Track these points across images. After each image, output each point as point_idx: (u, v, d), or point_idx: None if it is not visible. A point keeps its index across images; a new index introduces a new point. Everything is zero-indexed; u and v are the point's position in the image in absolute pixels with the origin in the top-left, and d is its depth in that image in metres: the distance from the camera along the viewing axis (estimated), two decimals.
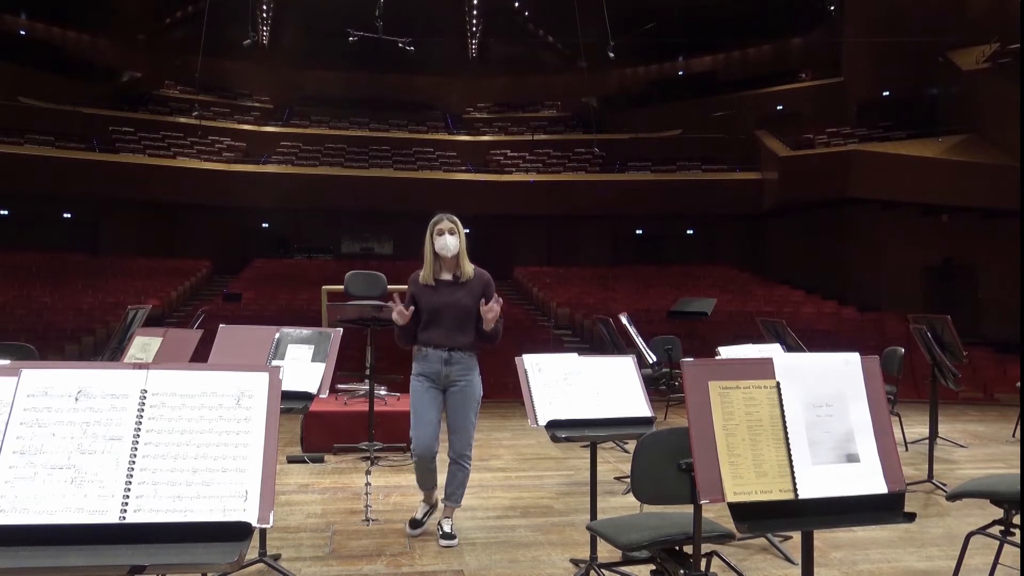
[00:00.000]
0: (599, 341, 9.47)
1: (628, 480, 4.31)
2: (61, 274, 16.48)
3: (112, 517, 1.61)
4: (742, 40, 23.47)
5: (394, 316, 3.69)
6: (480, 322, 3.72)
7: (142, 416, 1.71)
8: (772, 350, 4.98)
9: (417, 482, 3.97)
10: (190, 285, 17.47)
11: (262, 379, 1.80)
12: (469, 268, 3.78)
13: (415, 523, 3.98)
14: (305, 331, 3.80)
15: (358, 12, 15.90)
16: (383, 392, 6.95)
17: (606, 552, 3.22)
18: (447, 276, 3.78)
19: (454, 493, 3.85)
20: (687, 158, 21.43)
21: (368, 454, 5.61)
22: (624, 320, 7.66)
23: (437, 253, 3.75)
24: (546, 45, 26.32)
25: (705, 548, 2.43)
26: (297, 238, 21.35)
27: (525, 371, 3.34)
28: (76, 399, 1.69)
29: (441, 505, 3.95)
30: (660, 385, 7.75)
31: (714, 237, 21.69)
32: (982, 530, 2.99)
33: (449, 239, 3.73)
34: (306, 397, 3.49)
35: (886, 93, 19.33)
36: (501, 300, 3.73)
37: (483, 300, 3.69)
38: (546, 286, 17.87)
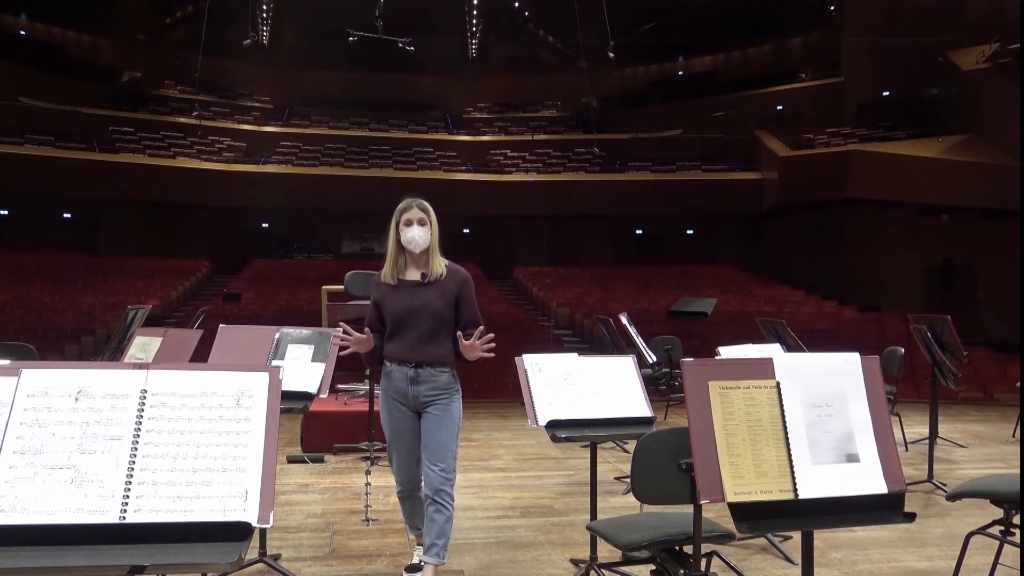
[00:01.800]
0: (599, 341, 9.47)
1: (628, 480, 4.31)
2: (61, 274, 16.48)
3: (112, 517, 1.61)
4: (742, 40, 23.47)
5: (349, 350, 3.06)
6: (455, 332, 3.09)
7: (142, 416, 1.71)
8: (772, 350, 4.98)
9: (406, 519, 3.35)
10: (190, 285, 17.47)
11: (262, 379, 1.80)
12: (440, 265, 3.11)
13: (413, 568, 3.32)
14: (305, 331, 3.80)
15: (358, 12, 15.90)
16: None
17: (606, 552, 3.22)
18: (413, 275, 3.13)
19: (435, 545, 3.02)
20: (687, 158, 21.43)
21: (368, 454, 5.61)
22: (624, 320, 7.66)
23: (403, 246, 3.13)
24: (546, 45, 26.32)
25: (705, 548, 2.43)
26: (297, 238, 21.35)
27: (525, 371, 3.34)
28: (76, 399, 1.69)
29: (420, 562, 3.18)
30: (660, 385, 7.75)
31: (714, 237, 21.69)
32: (982, 530, 2.99)
33: (418, 232, 3.07)
34: (306, 397, 3.49)
35: (886, 93, 19.33)
36: (483, 330, 2.99)
37: (459, 305, 3.10)
38: (546, 286, 17.87)
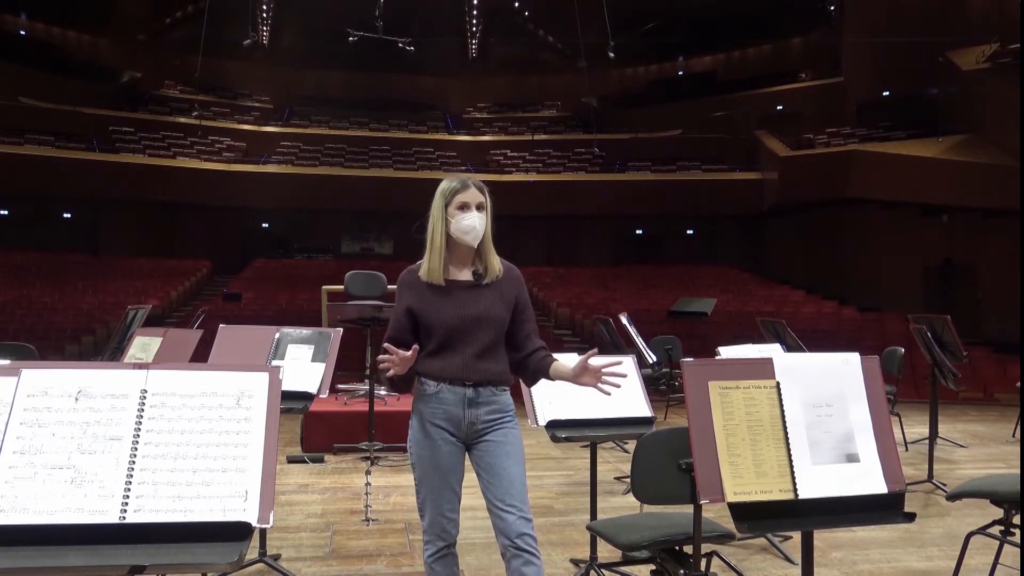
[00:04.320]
0: (599, 341, 9.47)
1: (628, 480, 4.31)
2: (61, 274, 16.48)
3: (112, 517, 1.61)
4: (742, 40, 23.47)
5: (391, 372, 2.33)
6: (513, 344, 2.51)
7: (142, 416, 1.71)
8: (772, 350, 4.99)
9: None
10: (190, 285, 17.47)
11: (262, 379, 1.80)
12: (498, 262, 2.50)
13: None
14: (305, 331, 3.80)
15: (358, 12, 15.92)
16: (383, 392, 6.95)
17: (606, 552, 3.22)
18: (462, 274, 2.48)
19: None
20: (687, 158, 21.44)
21: (368, 454, 5.61)
22: (624, 320, 7.66)
23: (452, 238, 2.44)
24: (546, 45, 26.32)
25: (705, 548, 2.43)
26: (297, 238, 21.35)
27: None
28: (76, 399, 1.69)
29: None
30: (660, 385, 7.75)
31: (714, 237, 21.70)
32: (982, 530, 2.99)
33: (478, 220, 2.43)
34: (306, 397, 3.49)
35: (886, 93, 19.33)
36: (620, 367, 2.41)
37: (516, 310, 2.51)
38: (546, 286, 17.87)
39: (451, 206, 2.44)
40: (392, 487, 5.06)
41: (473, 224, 2.41)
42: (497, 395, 2.44)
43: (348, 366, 7.75)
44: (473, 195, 2.45)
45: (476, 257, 2.48)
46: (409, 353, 2.29)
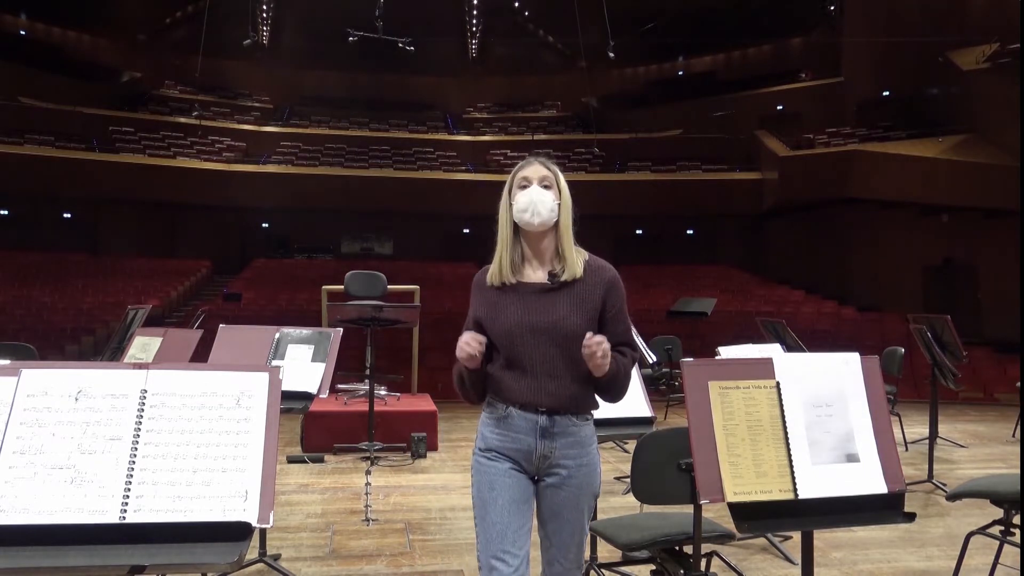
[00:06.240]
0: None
1: (628, 480, 4.31)
2: (61, 274, 16.48)
3: (112, 517, 1.61)
4: (742, 40, 23.50)
5: (462, 352, 1.97)
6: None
7: (142, 416, 1.71)
8: (772, 350, 4.99)
9: None
10: (190, 285, 17.47)
11: (262, 379, 1.80)
12: (577, 259, 2.08)
13: None
14: (305, 331, 3.80)
15: (358, 12, 15.91)
16: (383, 392, 6.95)
17: (606, 552, 3.22)
18: (536, 274, 2.07)
19: None
20: (687, 158, 21.45)
21: (368, 454, 5.61)
22: None
23: (518, 225, 2.07)
24: (546, 45, 26.34)
25: (705, 548, 2.43)
26: (297, 238, 21.36)
27: None
28: (76, 399, 1.69)
29: None
30: (660, 385, 7.75)
31: (714, 237, 21.70)
32: (982, 530, 2.99)
33: (538, 195, 2.04)
34: (306, 397, 3.50)
35: (886, 93, 19.33)
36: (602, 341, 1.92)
37: (603, 318, 2.05)
38: None
39: (515, 187, 2.08)
40: (392, 487, 5.06)
41: (531, 200, 2.01)
42: (577, 425, 2.02)
43: (348, 366, 7.76)
44: (535, 170, 2.07)
45: (553, 249, 2.09)
46: (479, 345, 1.98)
